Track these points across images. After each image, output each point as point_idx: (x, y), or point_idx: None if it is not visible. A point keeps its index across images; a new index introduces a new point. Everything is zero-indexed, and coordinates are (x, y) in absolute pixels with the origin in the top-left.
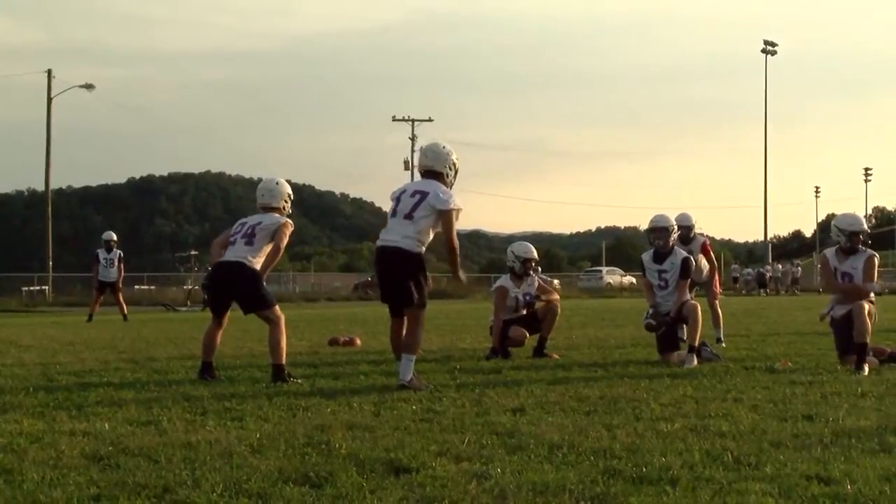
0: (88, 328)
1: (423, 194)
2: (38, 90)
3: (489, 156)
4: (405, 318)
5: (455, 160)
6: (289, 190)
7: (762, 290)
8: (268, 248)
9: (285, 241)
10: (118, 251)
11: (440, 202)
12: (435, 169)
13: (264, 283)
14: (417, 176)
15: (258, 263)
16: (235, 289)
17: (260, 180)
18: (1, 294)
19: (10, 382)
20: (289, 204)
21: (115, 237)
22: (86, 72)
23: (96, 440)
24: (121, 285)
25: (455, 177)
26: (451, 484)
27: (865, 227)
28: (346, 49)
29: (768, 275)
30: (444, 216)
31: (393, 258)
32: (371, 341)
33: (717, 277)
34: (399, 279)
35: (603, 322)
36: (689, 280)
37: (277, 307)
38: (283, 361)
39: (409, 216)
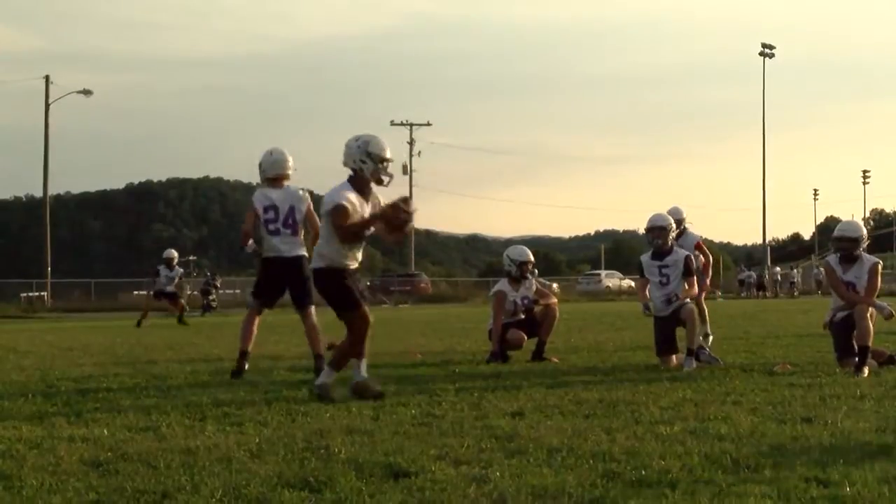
0: (88, 334)
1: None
2: (36, 96)
3: (488, 160)
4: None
5: (370, 151)
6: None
7: (760, 293)
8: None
9: (316, 217)
10: (179, 269)
11: (323, 205)
12: (347, 166)
13: None
14: (416, 180)
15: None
16: (294, 285)
17: (258, 185)
18: None
19: (8, 388)
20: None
21: (175, 255)
22: (83, 77)
23: (95, 446)
24: (181, 296)
25: (383, 166)
26: (451, 488)
27: (863, 232)
28: (345, 53)
29: (776, 278)
30: (324, 218)
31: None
32: (369, 346)
33: (707, 274)
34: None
35: (602, 325)
36: (695, 276)
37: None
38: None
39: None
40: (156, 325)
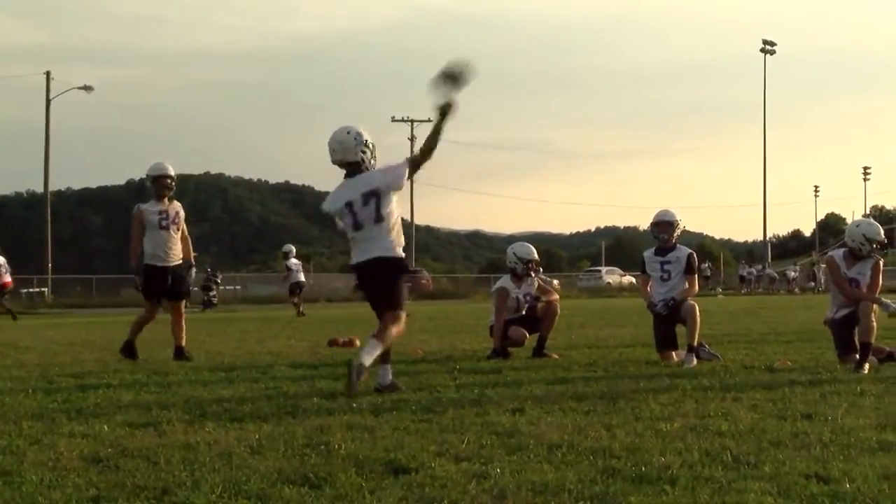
0: (88, 330)
1: (374, 194)
2: (37, 91)
3: (489, 156)
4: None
5: (367, 140)
6: (157, 171)
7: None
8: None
9: (134, 224)
10: None
11: (395, 183)
12: (348, 160)
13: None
14: (417, 176)
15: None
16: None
17: (259, 181)
18: None
19: (9, 384)
20: (153, 185)
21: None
22: (84, 72)
23: (95, 442)
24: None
25: (374, 154)
26: (451, 484)
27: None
28: (346, 49)
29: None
30: (403, 183)
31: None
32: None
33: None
34: (383, 286)
35: (602, 322)
36: (697, 275)
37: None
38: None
39: (378, 220)
40: (157, 321)
